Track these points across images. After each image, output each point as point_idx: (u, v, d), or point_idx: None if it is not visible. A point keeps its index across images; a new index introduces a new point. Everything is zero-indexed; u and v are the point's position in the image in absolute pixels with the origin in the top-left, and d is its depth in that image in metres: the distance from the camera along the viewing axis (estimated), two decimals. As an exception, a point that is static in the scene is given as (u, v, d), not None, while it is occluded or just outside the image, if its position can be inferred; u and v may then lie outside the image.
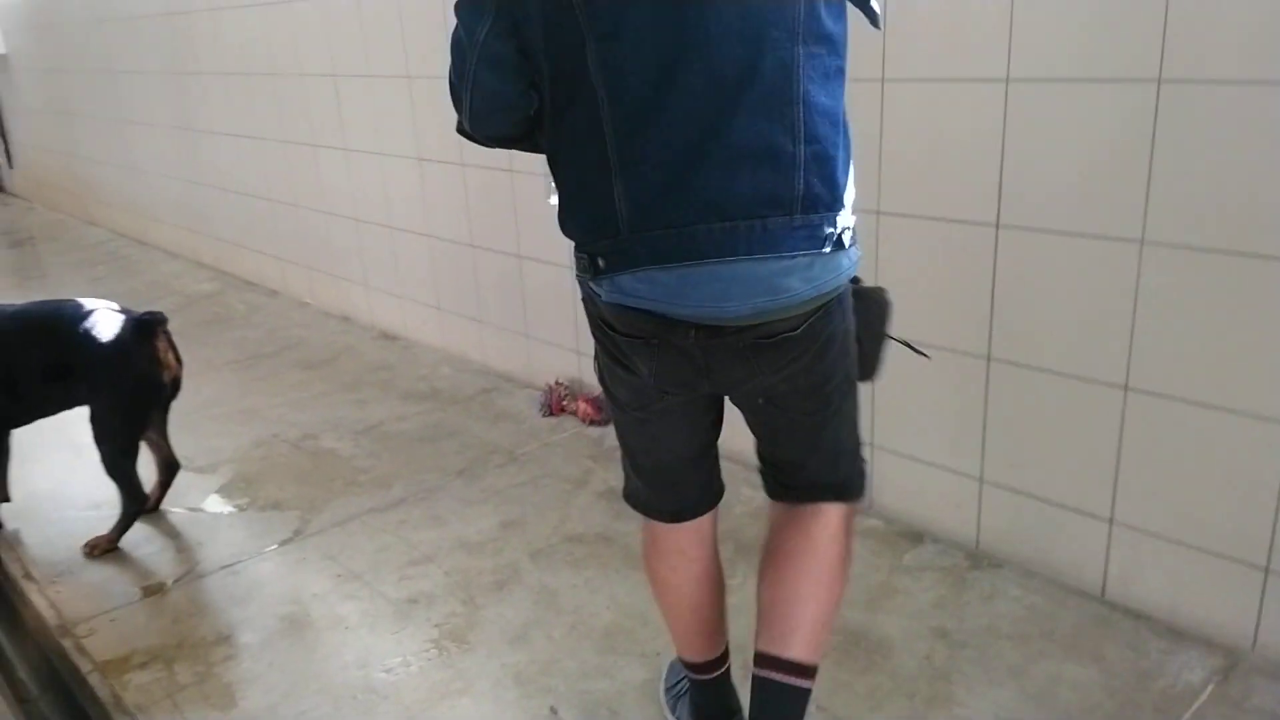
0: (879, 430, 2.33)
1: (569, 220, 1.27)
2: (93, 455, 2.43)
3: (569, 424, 3.04)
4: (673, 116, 1.14)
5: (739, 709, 1.64)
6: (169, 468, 2.65)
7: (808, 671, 1.41)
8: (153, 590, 2.29)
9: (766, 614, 1.44)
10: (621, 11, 1.12)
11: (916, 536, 2.29)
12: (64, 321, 2.40)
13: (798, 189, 1.16)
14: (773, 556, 1.47)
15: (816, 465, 1.44)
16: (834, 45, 1.18)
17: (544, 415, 3.12)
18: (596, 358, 1.42)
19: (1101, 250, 1.84)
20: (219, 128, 4.77)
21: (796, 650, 1.40)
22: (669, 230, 1.17)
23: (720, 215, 1.15)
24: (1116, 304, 1.85)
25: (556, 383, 3.16)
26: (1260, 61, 1.59)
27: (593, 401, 3.01)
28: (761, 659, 1.42)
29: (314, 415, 3.25)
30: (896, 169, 2.13)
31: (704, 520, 1.52)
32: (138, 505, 2.48)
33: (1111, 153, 1.79)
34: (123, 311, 2.46)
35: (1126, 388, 1.88)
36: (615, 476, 2.67)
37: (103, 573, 2.39)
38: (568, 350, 3.16)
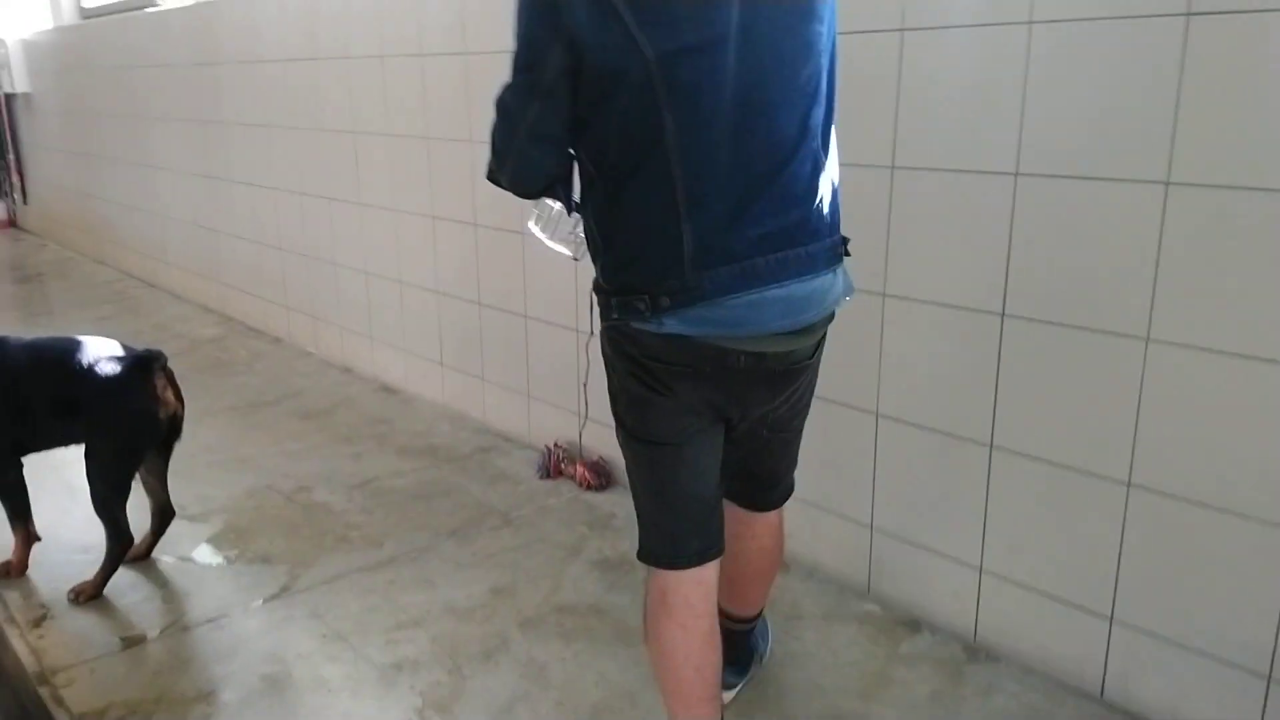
0: (878, 513, 2.31)
1: (630, 266, 1.41)
2: (85, 497, 2.41)
3: (566, 488, 3.01)
4: (736, 170, 1.34)
5: None
6: (164, 514, 2.62)
7: (756, 618, 1.96)
8: (134, 641, 2.25)
9: (741, 592, 1.86)
10: (698, 92, 1.30)
11: (914, 625, 2.26)
12: (70, 355, 2.41)
13: (826, 218, 1.43)
14: (750, 554, 1.79)
15: (785, 477, 1.79)
16: (833, 101, 1.46)
17: (541, 477, 3.10)
18: (625, 403, 1.54)
19: (1106, 344, 1.85)
20: (236, 176, 4.83)
21: (753, 610, 1.94)
22: (731, 265, 1.35)
23: (773, 248, 1.36)
24: (1121, 399, 1.84)
25: (555, 445, 3.14)
26: (1268, 169, 1.60)
27: (591, 467, 2.99)
28: (729, 617, 1.83)
29: (309, 467, 3.23)
30: (903, 254, 2.14)
31: (712, 569, 1.59)
32: (122, 546, 2.45)
33: (1119, 255, 1.80)
34: (125, 349, 2.47)
35: (1130, 484, 1.86)
36: (610, 545, 2.65)
37: (86, 620, 2.35)
38: (569, 413, 3.15)
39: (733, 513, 1.71)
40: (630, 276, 1.41)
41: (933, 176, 2.06)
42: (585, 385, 2.88)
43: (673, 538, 1.56)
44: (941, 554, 2.21)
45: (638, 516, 1.60)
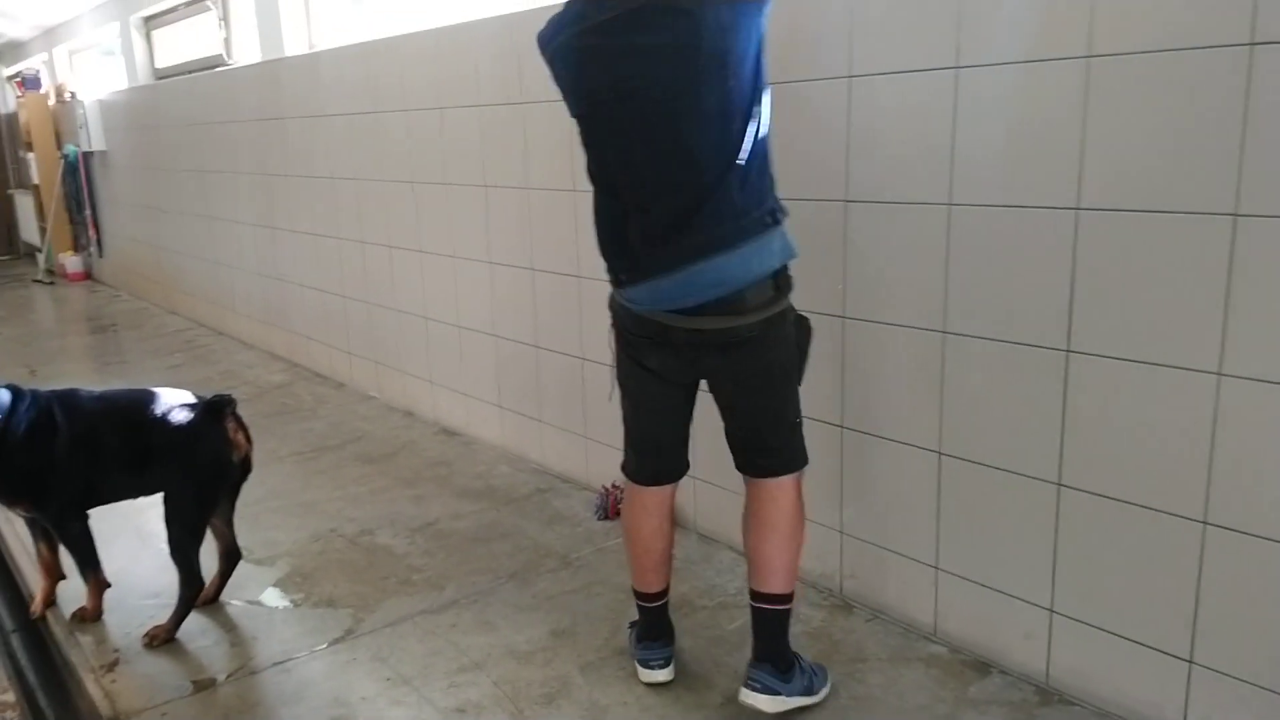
0: (944, 553, 2.27)
1: (604, 247, 1.99)
2: (156, 543, 2.47)
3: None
4: (639, 188, 1.88)
5: (671, 632, 2.25)
6: (230, 557, 2.68)
7: (785, 599, 2.05)
8: (204, 685, 2.29)
9: (751, 563, 2.07)
10: (608, 132, 1.89)
11: (983, 668, 2.20)
12: (142, 407, 2.49)
13: (732, 205, 1.81)
14: (751, 520, 2.06)
15: (772, 439, 2.02)
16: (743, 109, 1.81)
17: (599, 519, 3.10)
18: (614, 355, 2.10)
19: (1177, 379, 1.80)
20: (300, 227, 4.98)
21: (774, 585, 2.04)
22: (651, 255, 1.87)
23: (666, 241, 1.84)
24: (1194, 435, 1.79)
25: (613, 486, 3.14)
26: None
27: (649, 508, 2.99)
28: (754, 594, 2.06)
29: (372, 510, 3.28)
30: (961, 288, 2.12)
31: (668, 489, 2.18)
32: (194, 590, 2.50)
33: (1186, 287, 1.77)
34: (195, 398, 2.55)
35: (1205, 522, 1.81)
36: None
37: (157, 664, 2.40)
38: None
39: (748, 483, 2.08)
40: (605, 254, 1.99)
41: (990, 212, 2.04)
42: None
43: (631, 460, 2.18)
44: (1010, 594, 2.15)
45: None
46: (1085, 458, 1.97)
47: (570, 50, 1.87)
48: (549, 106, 3.13)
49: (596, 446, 3.30)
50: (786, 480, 2.03)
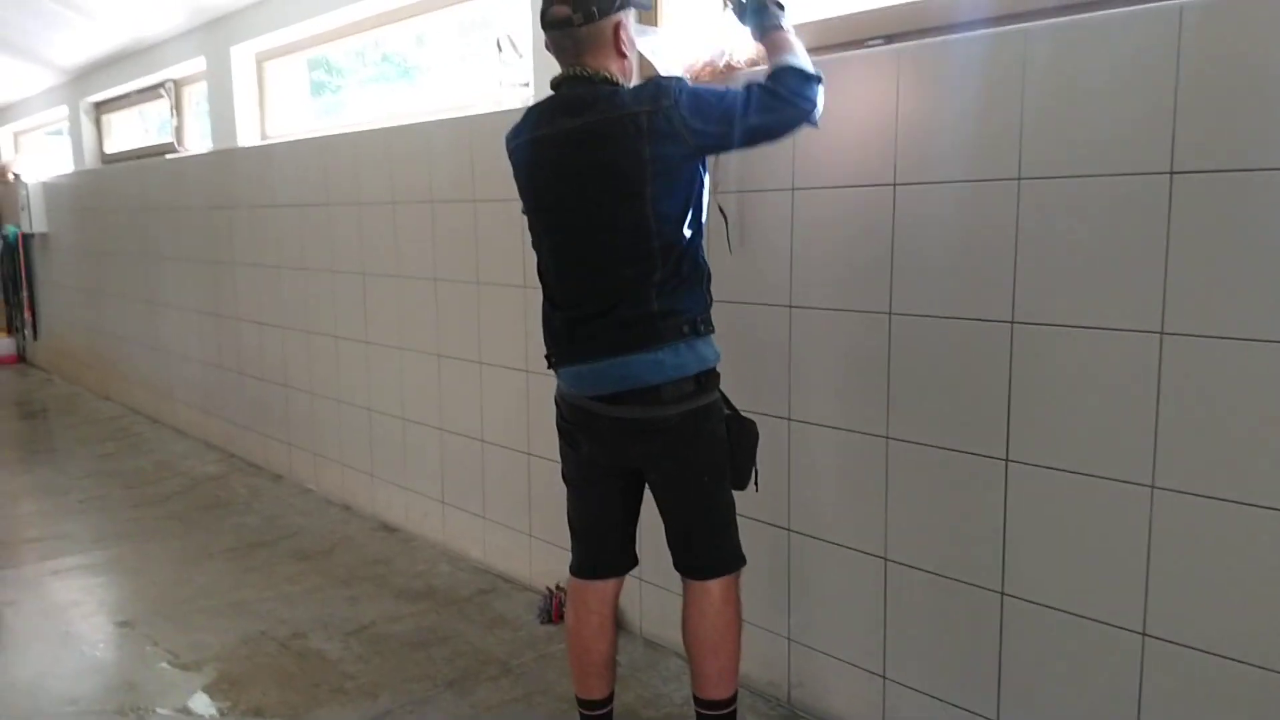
0: (891, 661, 2.25)
1: (544, 336, 2.10)
2: (79, 646, 2.35)
3: (568, 633, 2.94)
4: (571, 283, 2.01)
5: None
6: None
7: (725, 704, 2.07)
8: (117, 803, 2.16)
9: (691, 668, 2.10)
10: (547, 230, 2.04)
11: (930, 780, 2.16)
12: None
13: (641, 310, 1.93)
14: (685, 623, 2.08)
15: (700, 538, 2.05)
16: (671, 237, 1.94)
17: (542, 622, 3.03)
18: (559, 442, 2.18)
19: (1112, 491, 1.84)
20: (245, 314, 4.91)
21: (711, 691, 2.07)
22: (570, 344, 2.01)
23: (606, 333, 1.95)
24: (1130, 545, 1.82)
25: (558, 587, 3.08)
26: None
27: (594, 611, 2.93)
28: (695, 700, 2.11)
29: (305, 611, 3.16)
30: (902, 395, 2.16)
31: (610, 585, 2.17)
32: None
33: (1118, 400, 1.82)
34: None
35: (1144, 634, 1.82)
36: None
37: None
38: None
39: (685, 584, 2.09)
40: (545, 343, 2.10)
41: (928, 323, 2.10)
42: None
43: (576, 551, 2.20)
44: (957, 705, 2.14)
45: None
46: (1027, 566, 1.99)
47: (523, 153, 2.05)
48: (501, 205, 3.17)
49: (541, 545, 3.25)
50: (715, 583, 2.05)
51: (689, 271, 1.95)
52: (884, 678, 2.27)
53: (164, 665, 2.79)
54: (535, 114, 2.03)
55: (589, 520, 2.17)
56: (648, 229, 1.90)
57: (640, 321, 1.92)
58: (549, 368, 2.08)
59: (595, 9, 1.91)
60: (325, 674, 2.73)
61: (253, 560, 3.64)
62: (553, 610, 3.02)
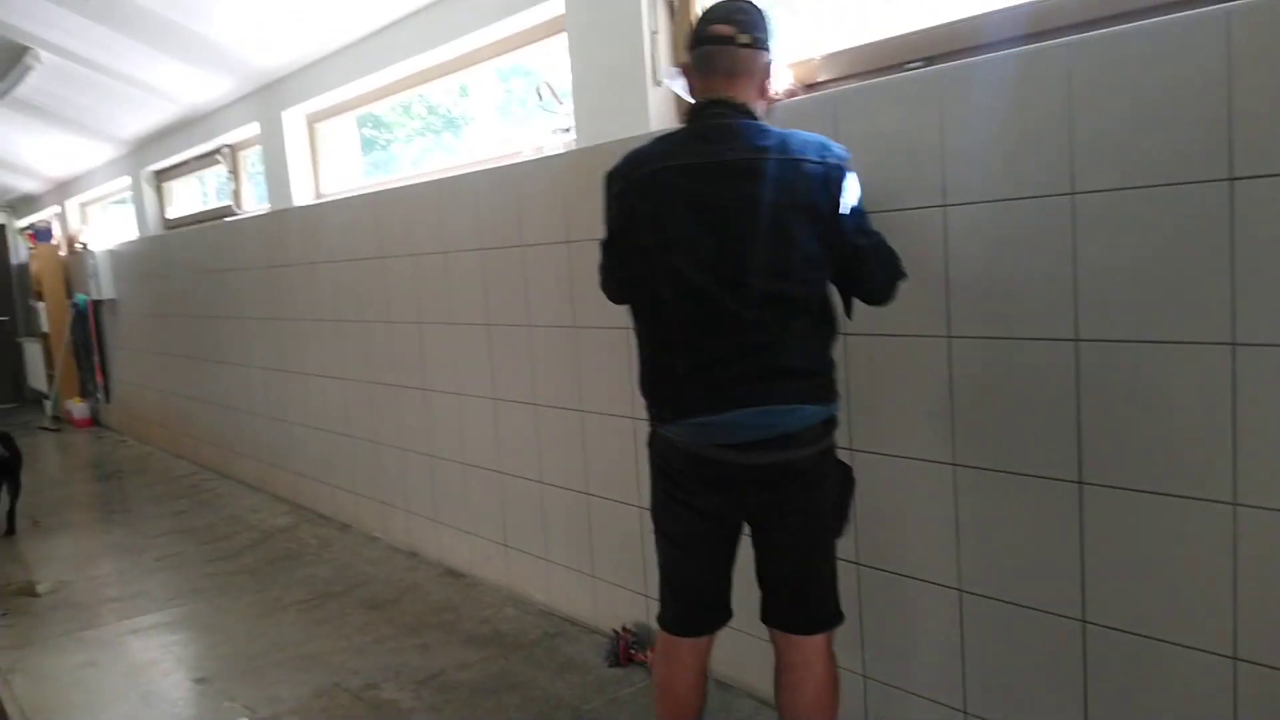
0: (971, 695, 2.19)
1: (649, 384, 1.96)
2: (160, 705, 2.39)
3: (637, 675, 2.92)
4: (707, 324, 1.84)
5: None
6: None
7: None
8: None
9: (793, 716, 1.98)
10: (683, 267, 1.84)
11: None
12: None
13: (800, 364, 1.84)
14: (786, 688, 1.98)
15: (813, 589, 1.96)
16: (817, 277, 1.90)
17: (610, 665, 3.01)
18: (653, 503, 2.02)
19: (1192, 510, 1.78)
20: (307, 369, 5.02)
21: None
22: (713, 391, 1.83)
23: (749, 380, 1.82)
24: (1214, 566, 1.76)
25: (624, 629, 3.06)
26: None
27: (662, 651, 2.90)
28: None
29: (376, 661, 3.19)
30: (966, 419, 2.11)
31: (706, 641, 2.06)
32: None
33: (1191, 416, 1.76)
34: None
35: (1235, 658, 1.75)
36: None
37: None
38: (635, 594, 3.09)
39: (783, 641, 2.00)
40: (650, 390, 1.95)
41: (989, 344, 2.06)
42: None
43: (672, 609, 2.05)
44: (1041, 738, 2.07)
45: (660, 586, 2.07)
46: (1107, 591, 1.93)
47: (649, 184, 1.87)
48: (548, 249, 3.20)
49: (604, 586, 3.24)
50: (822, 638, 1.97)
51: (825, 321, 1.89)
52: (964, 712, 2.21)
53: (241, 721, 2.83)
54: (666, 144, 1.91)
55: (693, 577, 2.02)
56: (792, 272, 1.82)
57: (783, 375, 1.81)
58: (661, 424, 1.92)
59: (761, 37, 1.88)
60: (398, 725, 2.75)
61: (324, 611, 3.68)
62: (619, 653, 3.00)
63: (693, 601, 2.04)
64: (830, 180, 1.83)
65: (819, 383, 1.86)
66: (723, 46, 1.87)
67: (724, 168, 1.82)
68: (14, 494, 5.14)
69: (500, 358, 3.59)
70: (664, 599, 2.06)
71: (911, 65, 2.21)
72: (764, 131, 1.85)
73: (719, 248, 1.82)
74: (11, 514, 5.13)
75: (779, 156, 1.81)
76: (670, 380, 1.89)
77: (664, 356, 1.90)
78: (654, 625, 2.49)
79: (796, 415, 1.82)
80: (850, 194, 1.86)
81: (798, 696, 1.97)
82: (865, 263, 1.89)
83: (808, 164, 1.82)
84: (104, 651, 3.42)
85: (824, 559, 1.97)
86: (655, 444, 1.98)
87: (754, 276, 1.80)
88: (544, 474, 3.46)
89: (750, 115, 1.88)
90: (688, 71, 1.95)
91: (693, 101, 1.96)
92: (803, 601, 1.97)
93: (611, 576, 3.20)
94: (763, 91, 1.93)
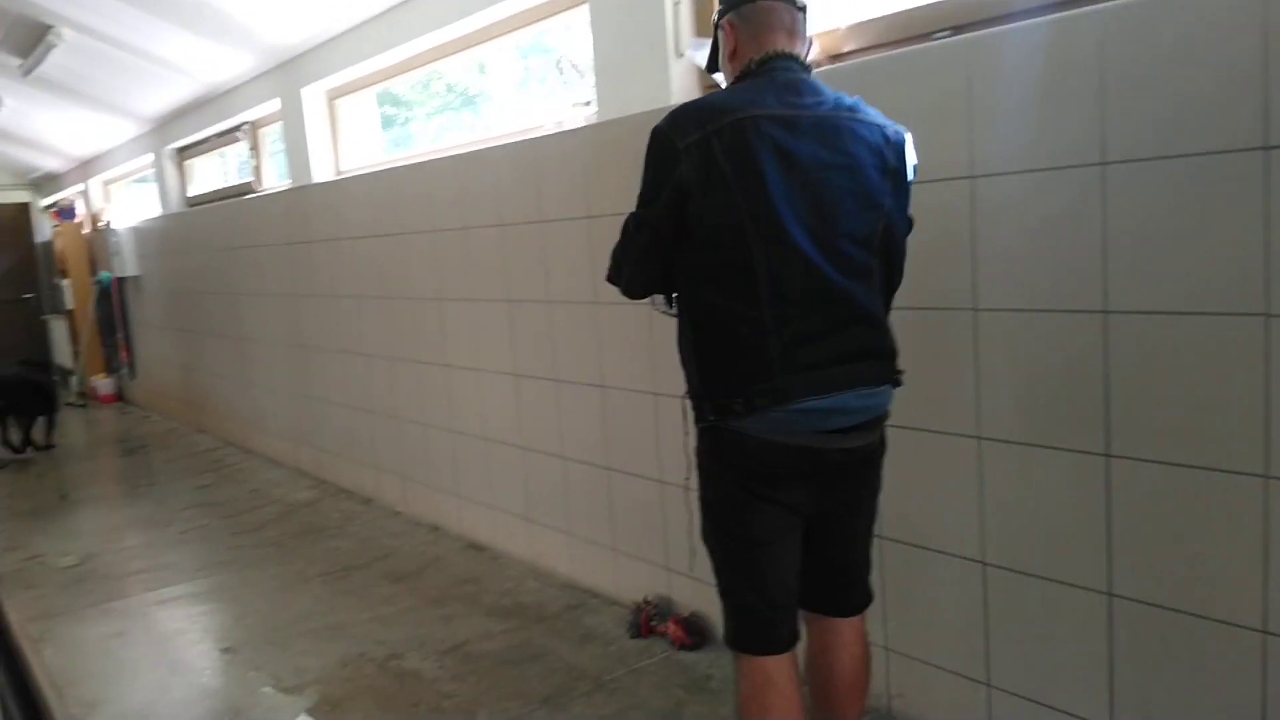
0: (995, 668, 2.19)
1: (725, 373, 1.70)
2: (188, 675, 2.43)
3: (658, 647, 2.93)
4: (812, 297, 1.65)
5: None
6: None
7: None
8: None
9: (835, 701, 1.89)
10: (783, 227, 1.63)
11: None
12: None
13: (886, 343, 1.75)
14: (839, 667, 1.88)
15: (863, 575, 1.91)
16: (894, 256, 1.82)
17: (632, 636, 3.02)
18: (725, 506, 1.77)
19: (1222, 483, 1.76)
20: (328, 345, 5.05)
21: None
22: (814, 371, 1.65)
23: (849, 359, 1.68)
24: (1244, 540, 1.74)
25: (645, 601, 3.08)
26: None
27: (683, 624, 2.92)
28: None
29: (400, 632, 3.22)
30: (992, 392, 2.10)
31: (794, 656, 1.81)
32: None
33: (1224, 388, 1.74)
34: None
35: (1265, 631, 1.73)
36: (709, 710, 2.55)
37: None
38: (657, 566, 3.11)
39: (820, 625, 1.91)
40: (727, 381, 1.70)
41: (1016, 316, 2.04)
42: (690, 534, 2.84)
43: (770, 625, 1.78)
44: (1068, 712, 2.06)
45: (731, 609, 1.81)
46: (1134, 564, 1.92)
47: (745, 133, 1.63)
48: (567, 225, 3.19)
49: (626, 559, 3.25)
50: (859, 619, 1.93)
51: (887, 296, 1.81)
52: (988, 685, 2.21)
53: (267, 690, 2.86)
54: (748, 93, 1.70)
55: (783, 578, 1.79)
56: (873, 241, 1.72)
57: (873, 355, 1.72)
58: (735, 415, 1.67)
59: (806, 6, 1.80)
60: (422, 694, 2.78)
61: (348, 583, 3.72)
62: (641, 625, 3.02)
63: (788, 610, 1.81)
64: (902, 147, 1.76)
65: (894, 363, 1.77)
66: (783, 3, 1.76)
67: (819, 123, 1.68)
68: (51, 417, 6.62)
69: (521, 333, 3.60)
70: (752, 616, 1.79)
71: (939, 34, 2.19)
72: (837, 93, 1.74)
73: (815, 209, 1.65)
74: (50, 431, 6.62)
75: (865, 118, 1.72)
76: (761, 362, 1.64)
77: (751, 334, 1.65)
78: (679, 603, 2.49)
79: (884, 397, 1.76)
80: (911, 162, 1.79)
81: (836, 677, 1.90)
82: (905, 241, 1.82)
83: (887, 128, 1.74)
84: (132, 622, 3.47)
85: (872, 533, 1.94)
86: (721, 442, 1.73)
87: (845, 243, 1.68)
88: (565, 448, 3.47)
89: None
90: (732, 27, 1.78)
91: (731, 64, 1.80)
92: (852, 584, 1.92)
93: (633, 549, 3.21)
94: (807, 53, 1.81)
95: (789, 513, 1.75)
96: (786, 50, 1.75)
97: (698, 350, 1.73)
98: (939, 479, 2.24)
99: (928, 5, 2.25)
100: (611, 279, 1.89)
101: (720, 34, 1.82)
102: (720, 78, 1.89)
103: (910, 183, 1.79)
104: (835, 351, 1.66)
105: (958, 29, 2.16)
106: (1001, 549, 2.14)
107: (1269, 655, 1.74)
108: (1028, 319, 2.02)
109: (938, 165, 2.11)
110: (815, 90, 1.72)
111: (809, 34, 1.82)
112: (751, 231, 1.63)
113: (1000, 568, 2.15)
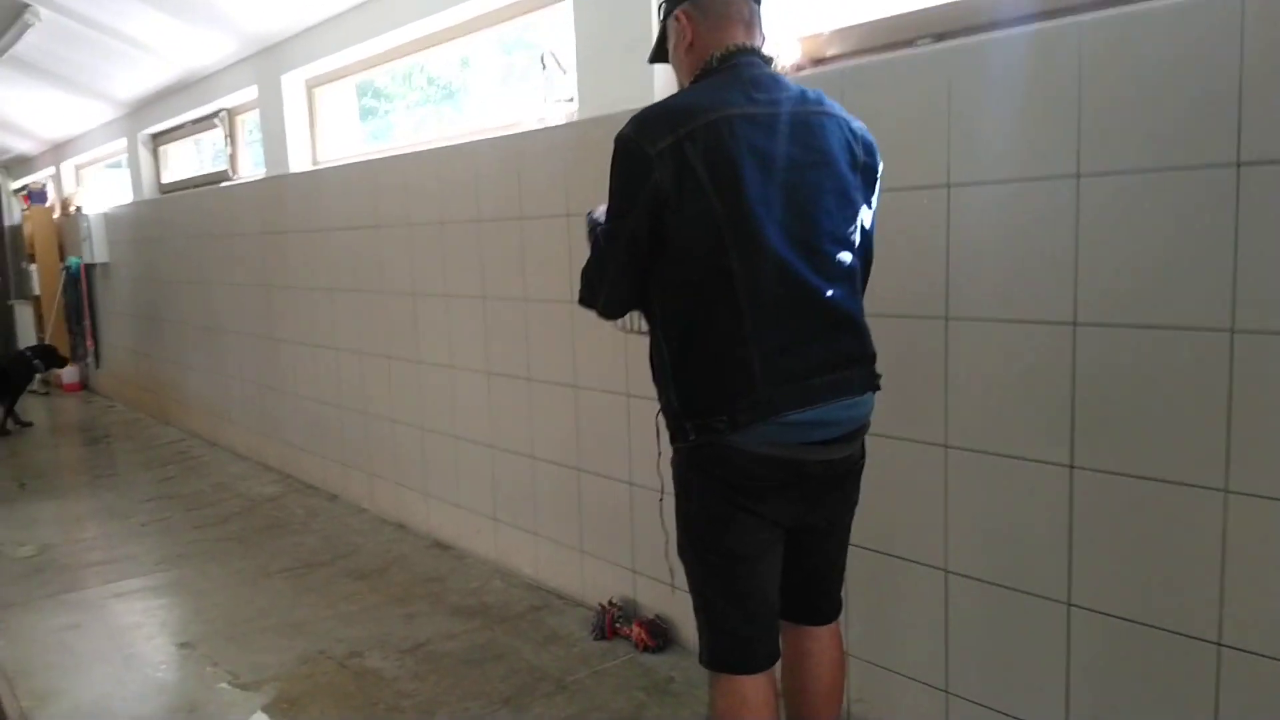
0: (954, 675, 2.19)
1: (706, 390, 1.63)
2: (142, 668, 2.38)
3: (621, 649, 2.92)
4: (789, 305, 1.59)
5: None
6: None
7: None
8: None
9: (813, 707, 1.87)
10: (757, 231, 1.57)
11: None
12: None
13: (868, 348, 1.70)
14: (817, 674, 1.86)
15: (839, 583, 1.89)
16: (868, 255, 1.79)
17: (595, 638, 3.00)
18: (705, 521, 1.69)
19: (1183, 496, 1.77)
20: (299, 338, 4.99)
21: None
22: (797, 383, 1.60)
23: (831, 368, 1.63)
24: (1202, 554, 1.75)
25: (610, 603, 3.06)
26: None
27: (647, 626, 2.90)
28: None
29: (362, 630, 3.18)
30: (960, 401, 2.11)
31: (773, 674, 1.76)
32: None
33: (1187, 402, 1.75)
34: None
35: (1219, 644, 1.75)
36: (669, 713, 2.53)
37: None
38: (623, 569, 3.09)
39: (797, 633, 1.87)
40: (709, 396, 1.62)
41: (986, 326, 2.05)
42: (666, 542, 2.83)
43: (749, 644, 1.72)
44: (1023, 719, 2.07)
45: (708, 627, 1.74)
46: (1094, 575, 1.92)
47: (719, 135, 1.57)
48: (548, 222, 3.18)
49: (592, 560, 3.23)
50: (835, 625, 1.90)
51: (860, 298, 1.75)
52: (946, 691, 2.21)
53: (224, 686, 2.81)
54: (717, 91, 1.63)
55: (767, 593, 1.74)
56: (850, 241, 1.67)
57: (855, 362, 1.67)
58: (718, 432, 1.60)
59: None
60: (382, 692, 2.74)
61: (310, 580, 3.67)
62: (605, 627, 3.00)
63: (770, 626, 1.76)
64: (869, 142, 1.73)
65: (875, 369, 1.73)
66: None
67: (790, 119, 1.63)
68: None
69: (494, 330, 3.57)
70: (731, 635, 1.73)
71: (922, 41, 2.19)
72: (801, 87, 1.70)
73: (795, 211, 1.60)
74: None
75: (832, 111, 1.69)
76: (743, 375, 1.58)
77: (733, 350, 1.59)
78: (644, 606, 2.47)
79: (866, 406, 1.71)
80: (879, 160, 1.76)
81: (815, 682, 1.87)
82: (873, 238, 1.79)
83: (851, 122, 1.71)
84: (87, 614, 3.40)
85: (847, 548, 1.91)
86: (705, 457, 1.65)
87: (828, 243, 1.63)
88: (535, 448, 3.44)
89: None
90: (689, 18, 1.72)
91: (688, 57, 1.74)
92: (830, 592, 1.89)
93: (600, 551, 3.19)
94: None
95: (771, 526, 1.69)
96: (747, 44, 1.70)
97: (675, 369, 1.65)
98: (905, 486, 2.24)
99: (911, 12, 2.26)
100: (586, 301, 1.79)
101: (673, 24, 1.76)
102: (663, 69, 1.83)
103: (880, 178, 1.77)
104: (818, 360, 1.61)
105: (940, 36, 2.17)
106: (964, 557, 2.15)
107: (1223, 667, 1.75)
108: (997, 329, 2.03)
109: (915, 173, 2.12)
110: (781, 85, 1.67)
111: (774, 32, 1.81)
112: (729, 238, 1.57)
113: (963, 575, 2.15)
